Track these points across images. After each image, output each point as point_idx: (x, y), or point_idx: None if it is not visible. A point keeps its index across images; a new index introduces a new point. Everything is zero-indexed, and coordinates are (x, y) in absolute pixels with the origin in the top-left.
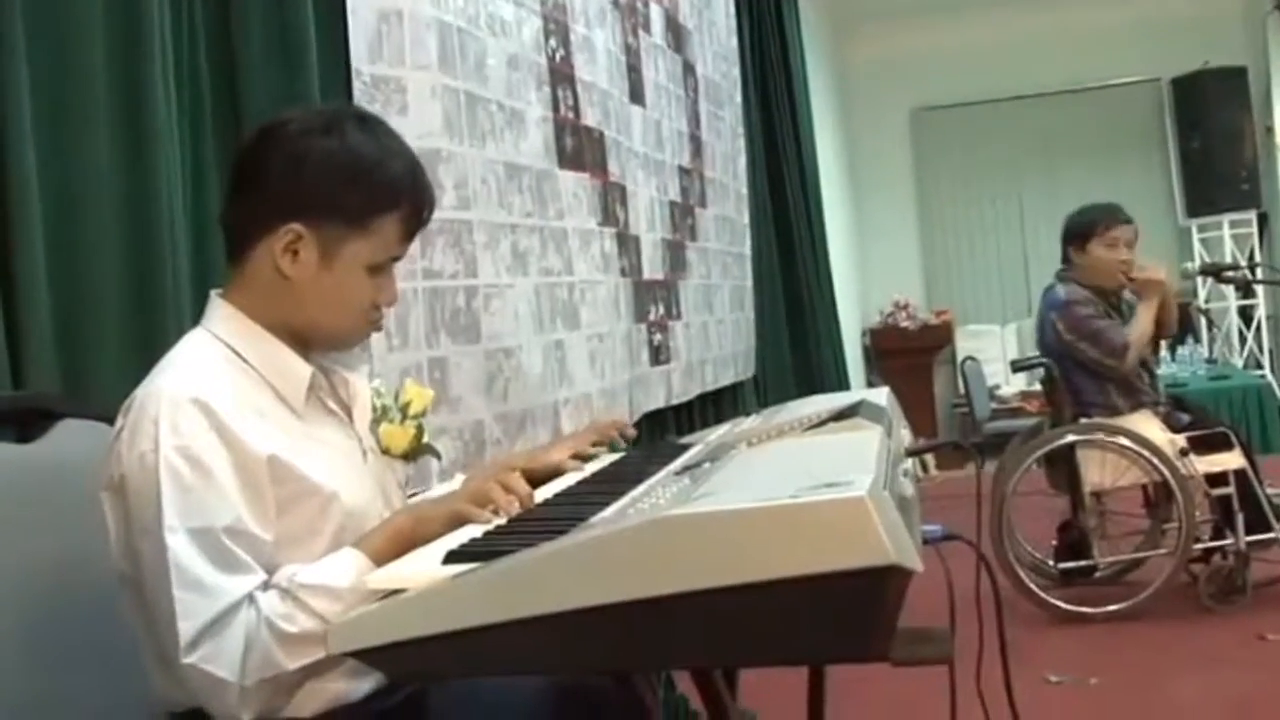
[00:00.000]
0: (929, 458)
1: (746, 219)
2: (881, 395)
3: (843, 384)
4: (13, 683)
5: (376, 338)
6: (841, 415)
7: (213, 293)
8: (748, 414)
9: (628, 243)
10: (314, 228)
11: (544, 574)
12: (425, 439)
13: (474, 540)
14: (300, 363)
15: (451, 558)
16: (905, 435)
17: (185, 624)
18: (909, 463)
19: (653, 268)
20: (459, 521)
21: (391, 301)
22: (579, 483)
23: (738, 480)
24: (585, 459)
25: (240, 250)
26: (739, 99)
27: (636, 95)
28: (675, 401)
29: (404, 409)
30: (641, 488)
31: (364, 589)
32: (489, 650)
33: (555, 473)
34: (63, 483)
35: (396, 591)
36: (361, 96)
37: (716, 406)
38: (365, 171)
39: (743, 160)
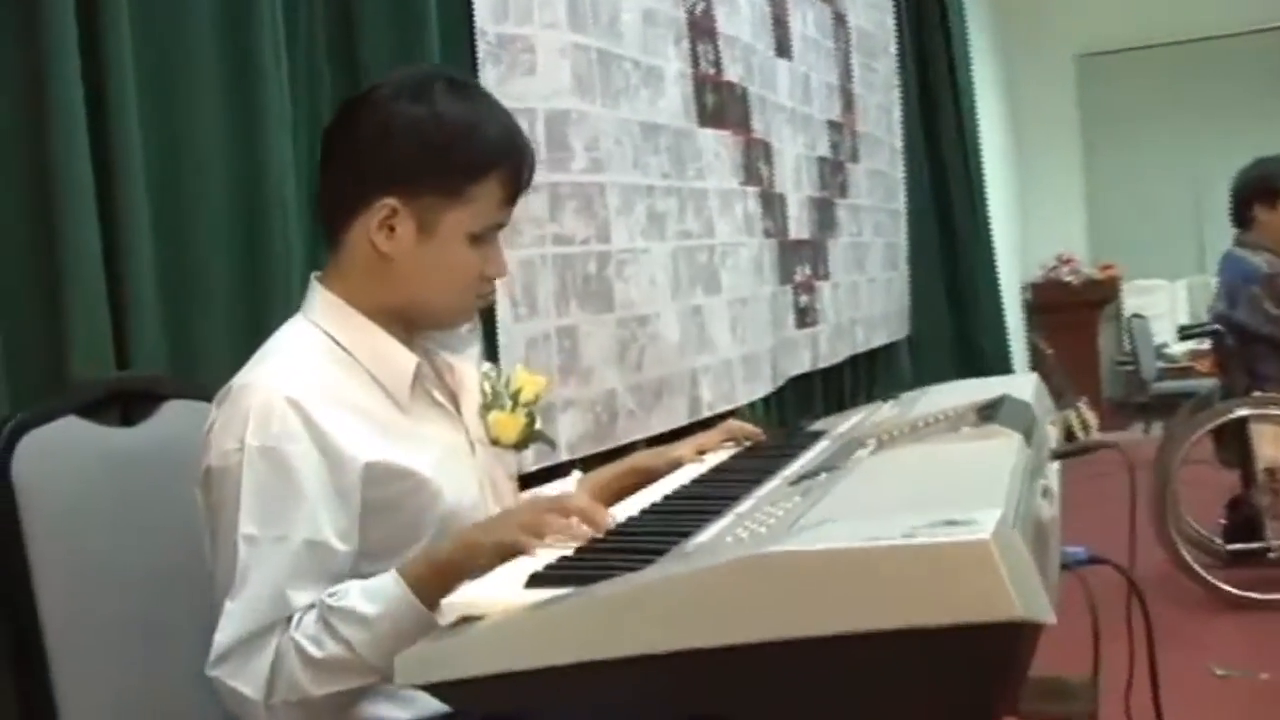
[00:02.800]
0: (1089, 414)
1: (901, 173)
2: (1028, 386)
3: (1001, 342)
4: (114, 671)
5: (502, 306)
6: (984, 411)
7: (313, 277)
8: (885, 399)
9: (772, 202)
10: (408, 200)
11: (630, 611)
12: (538, 425)
13: (561, 562)
14: (404, 353)
15: (535, 581)
16: (1051, 435)
17: (221, 635)
18: (1053, 471)
19: (799, 227)
20: (510, 552)
21: (500, 273)
22: (689, 484)
23: (851, 503)
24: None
25: (336, 232)
26: (893, 49)
27: (783, 48)
28: (822, 365)
29: (514, 396)
30: (748, 503)
31: (395, 619)
32: (565, 688)
33: (675, 466)
34: (166, 466)
35: (470, 618)
36: (486, 57)
37: (869, 368)
38: (458, 137)
39: (897, 112)
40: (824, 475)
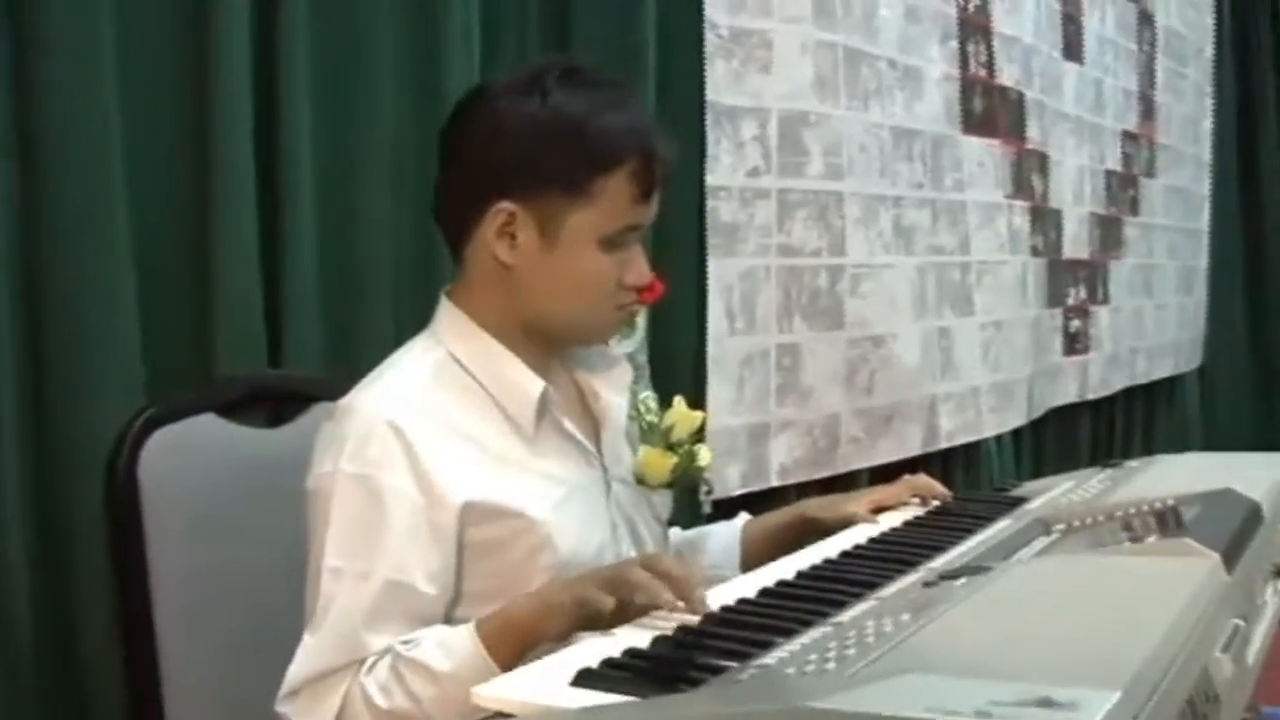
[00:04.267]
0: None
1: (1206, 190)
2: (1266, 478)
3: None
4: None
5: (715, 319)
6: (1182, 513)
7: (443, 292)
8: (1106, 466)
9: (1045, 217)
10: (527, 204)
11: None
12: (699, 462)
13: (621, 657)
14: (530, 377)
15: (583, 679)
16: None
17: (296, 669)
18: (1270, 594)
19: (1076, 245)
20: (583, 609)
21: (641, 281)
22: (823, 564)
23: (956, 642)
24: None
25: (458, 244)
26: (1209, 52)
27: (1072, 50)
28: (1091, 396)
29: (666, 433)
30: (861, 606)
31: (465, 678)
32: None
33: (846, 523)
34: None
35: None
36: (715, 51)
37: (1147, 401)
38: (574, 127)
39: (1208, 123)
40: (963, 581)
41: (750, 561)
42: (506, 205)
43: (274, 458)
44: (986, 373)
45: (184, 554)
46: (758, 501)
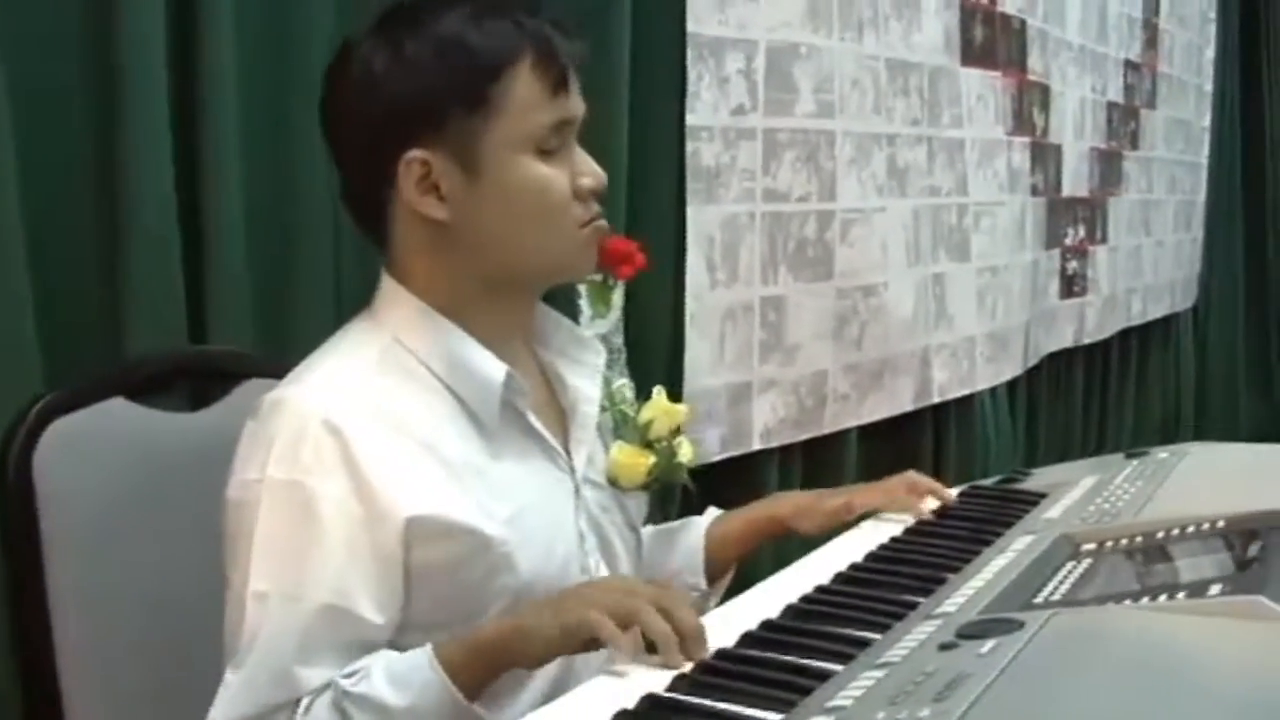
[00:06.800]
0: None
1: (1207, 121)
2: None
3: None
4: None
5: (694, 271)
6: (1253, 558)
7: (383, 268)
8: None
9: (1045, 154)
10: (436, 143)
11: None
12: (680, 459)
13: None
14: (492, 362)
15: None
16: None
17: (218, 714)
18: None
19: (1076, 183)
20: (580, 634)
21: (596, 179)
22: (820, 593)
23: None
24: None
25: (378, 221)
26: None
27: None
28: (1087, 340)
29: (643, 430)
30: (871, 676)
31: (425, 711)
32: None
33: (824, 526)
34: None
35: None
36: None
37: (1141, 342)
38: (454, 45)
39: (1210, 51)
40: (991, 646)
41: (714, 567)
42: (415, 154)
43: (196, 445)
44: (983, 321)
45: (89, 567)
46: (739, 467)
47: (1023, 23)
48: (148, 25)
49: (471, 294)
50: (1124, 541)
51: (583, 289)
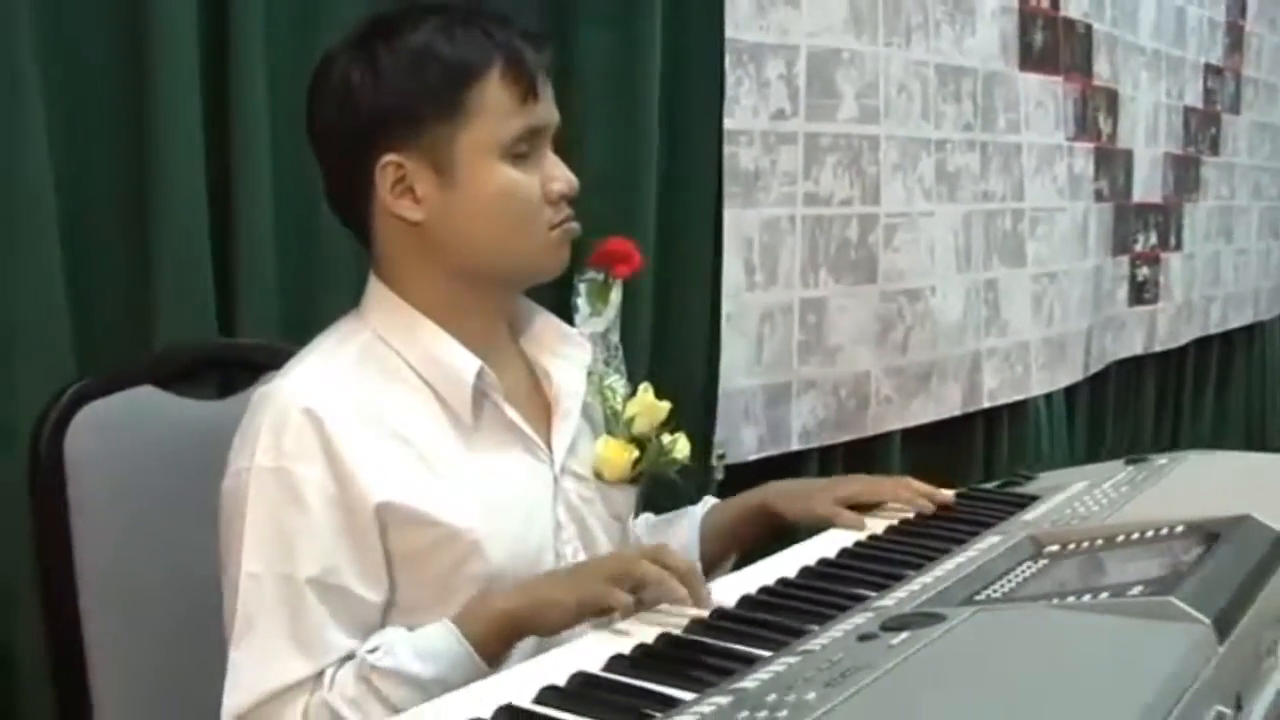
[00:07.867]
0: None
1: None
2: None
3: None
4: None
5: (731, 271)
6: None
7: (371, 270)
8: (1130, 461)
9: (1113, 160)
10: (410, 147)
11: None
12: (675, 454)
13: (576, 682)
14: (465, 357)
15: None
16: None
17: (234, 698)
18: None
19: (1148, 189)
20: (588, 606)
21: (566, 184)
22: (768, 590)
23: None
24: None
25: (363, 223)
26: None
27: None
28: (1159, 348)
29: (628, 424)
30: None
31: (454, 681)
32: None
33: (813, 522)
34: None
35: None
36: None
37: (1224, 352)
38: (425, 52)
39: None
40: (902, 638)
41: (709, 556)
42: (390, 158)
43: (222, 431)
44: (1039, 327)
45: (118, 545)
46: (779, 467)
47: (1088, 27)
48: (181, 26)
49: (449, 293)
50: (1085, 544)
51: (581, 287)
